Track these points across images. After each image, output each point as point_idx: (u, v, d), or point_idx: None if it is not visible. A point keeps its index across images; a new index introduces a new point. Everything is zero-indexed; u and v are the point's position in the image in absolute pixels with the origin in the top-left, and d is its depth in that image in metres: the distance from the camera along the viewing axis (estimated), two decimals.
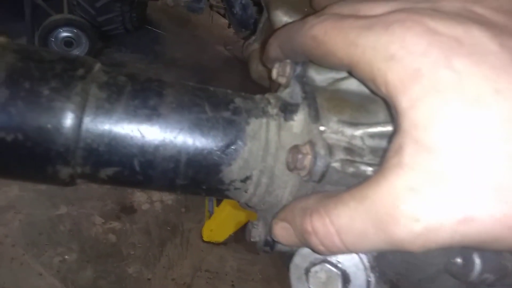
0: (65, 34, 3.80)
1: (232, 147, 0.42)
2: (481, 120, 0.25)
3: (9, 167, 0.38)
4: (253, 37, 0.75)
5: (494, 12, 0.29)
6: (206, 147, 0.41)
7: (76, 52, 3.84)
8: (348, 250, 0.33)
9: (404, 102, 0.28)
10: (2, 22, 3.68)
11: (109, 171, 0.40)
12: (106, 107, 0.38)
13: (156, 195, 2.94)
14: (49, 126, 0.35)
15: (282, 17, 0.61)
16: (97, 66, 0.40)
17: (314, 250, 0.36)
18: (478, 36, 0.27)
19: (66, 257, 2.54)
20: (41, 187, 2.73)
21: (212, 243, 2.85)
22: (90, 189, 2.85)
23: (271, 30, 0.65)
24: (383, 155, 0.31)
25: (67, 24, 3.77)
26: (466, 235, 0.27)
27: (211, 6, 2.53)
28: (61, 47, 3.82)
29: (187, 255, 2.75)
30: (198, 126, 0.41)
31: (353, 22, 0.32)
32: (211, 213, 2.89)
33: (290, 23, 0.44)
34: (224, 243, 2.86)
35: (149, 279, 2.55)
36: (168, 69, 4.04)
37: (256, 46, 0.75)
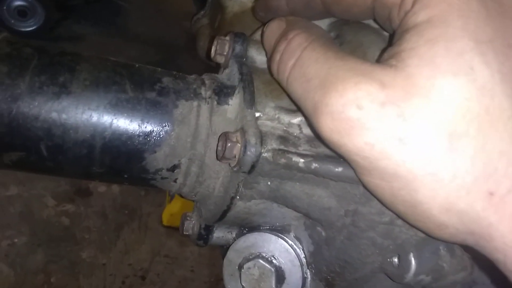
0: (18, 2, 3.55)
1: (156, 132, 0.37)
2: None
3: None
4: (202, 12, 0.70)
5: None
6: (126, 132, 0.36)
7: (31, 22, 3.61)
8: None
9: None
10: None
11: (13, 155, 0.36)
12: (7, 83, 0.34)
13: None
14: None
15: None
16: (0, 36, 0.36)
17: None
18: None
19: (16, 240, 2.42)
20: None
21: (173, 227, 2.79)
22: None
23: (219, 5, 0.60)
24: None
25: None
26: None
27: None
28: (15, 17, 3.57)
29: (145, 240, 2.69)
30: (116, 107, 0.36)
31: None
32: (172, 197, 2.82)
33: None
34: None
35: (104, 264, 2.48)
36: (129, 44, 3.85)
37: (205, 21, 0.70)
